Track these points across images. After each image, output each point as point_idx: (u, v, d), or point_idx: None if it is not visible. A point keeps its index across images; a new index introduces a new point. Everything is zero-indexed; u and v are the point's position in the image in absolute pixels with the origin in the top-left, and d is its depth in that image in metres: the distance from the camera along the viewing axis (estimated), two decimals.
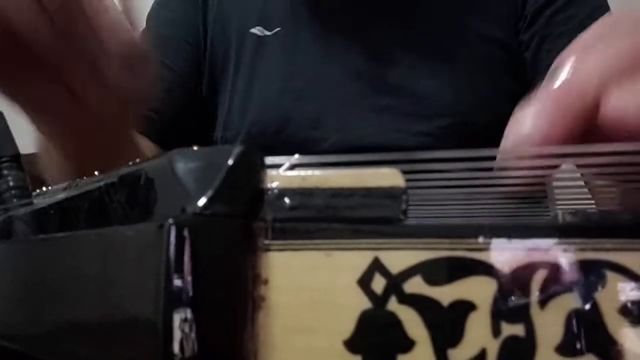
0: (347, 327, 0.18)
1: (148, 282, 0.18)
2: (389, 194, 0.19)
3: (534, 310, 0.18)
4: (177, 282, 0.17)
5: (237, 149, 0.19)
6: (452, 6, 0.67)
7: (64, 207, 0.25)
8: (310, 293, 0.19)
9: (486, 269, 0.18)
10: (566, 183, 0.25)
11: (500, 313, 0.18)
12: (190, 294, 0.17)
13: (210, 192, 0.19)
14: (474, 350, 0.18)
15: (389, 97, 0.65)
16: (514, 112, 0.24)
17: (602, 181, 0.25)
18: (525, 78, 0.64)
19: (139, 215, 0.20)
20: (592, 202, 0.27)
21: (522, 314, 0.18)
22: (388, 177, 0.19)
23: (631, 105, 0.23)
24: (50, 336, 0.22)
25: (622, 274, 0.18)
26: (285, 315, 0.19)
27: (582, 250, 0.18)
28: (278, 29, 0.69)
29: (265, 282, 0.19)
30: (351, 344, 0.18)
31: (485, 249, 0.18)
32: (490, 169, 0.22)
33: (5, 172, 0.29)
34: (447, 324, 0.18)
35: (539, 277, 0.18)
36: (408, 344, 0.18)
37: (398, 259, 0.18)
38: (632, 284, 0.18)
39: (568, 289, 0.18)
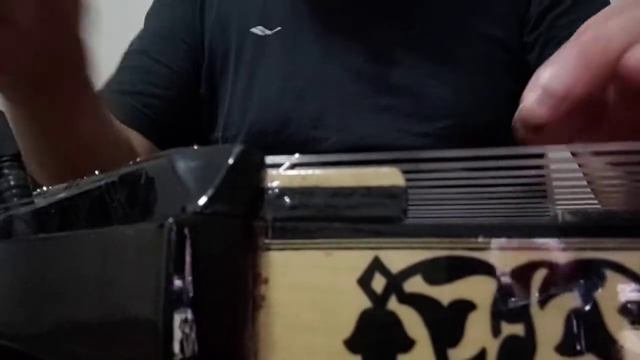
0: (347, 326, 0.18)
1: (148, 282, 0.18)
2: (389, 194, 0.19)
3: (534, 310, 0.18)
4: (178, 282, 0.17)
5: (237, 148, 0.19)
6: (453, 6, 0.67)
7: (65, 206, 0.25)
8: (311, 292, 0.19)
9: (486, 269, 0.18)
10: (566, 183, 0.25)
11: (500, 313, 0.18)
12: (191, 294, 0.17)
13: (210, 192, 0.19)
14: (474, 350, 0.18)
15: (389, 97, 0.65)
16: (535, 73, 0.24)
17: (608, 180, 0.25)
18: (526, 79, 0.64)
19: (139, 214, 0.20)
20: (592, 201, 0.27)
21: (522, 314, 0.18)
22: (388, 176, 0.19)
23: None
24: (50, 336, 0.22)
25: (622, 274, 0.18)
26: (285, 314, 0.19)
27: (582, 250, 0.18)
28: (279, 28, 0.69)
29: (266, 281, 0.19)
30: (351, 343, 0.18)
31: (485, 248, 0.18)
32: (490, 169, 0.22)
33: (6, 171, 0.29)
34: (447, 324, 0.18)
35: (539, 277, 0.18)
36: (408, 344, 0.18)
37: (398, 258, 0.18)
38: (632, 284, 0.18)
39: (568, 288, 0.18)
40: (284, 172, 0.20)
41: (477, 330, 0.18)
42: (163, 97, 0.69)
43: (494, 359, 0.18)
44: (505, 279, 0.18)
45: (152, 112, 0.68)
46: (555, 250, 0.18)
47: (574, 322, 0.18)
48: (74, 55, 0.48)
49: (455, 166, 0.22)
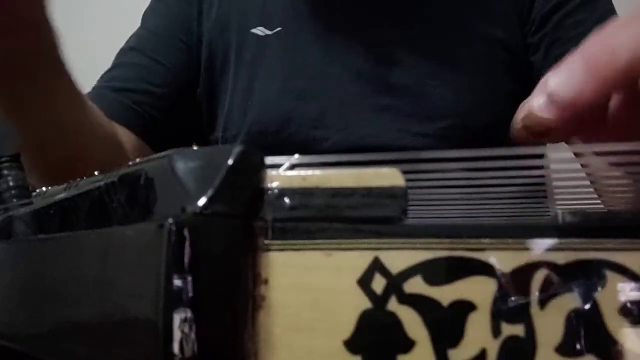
0: (347, 326, 0.18)
1: (148, 282, 0.18)
2: (389, 194, 0.19)
3: (534, 310, 0.18)
4: (177, 282, 0.17)
5: (237, 149, 0.19)
6: (453, 6, 0.67)
7: (64, 207, 0.25)
8: (311, 292, 0.19)
9: (486, 269, 0.18)
10: (566, 183, 0.25)
11: (500, 313, 0.18)
12: (190, 294, 0.17)
13: (210, 192, 0.19)
14: (474, 350, 0.18)
15: (389, 97, 0.65)
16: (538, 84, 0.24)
17: (613, 180, 0.25)
18: (526, 79, 0.64)
19: (139, 215, 0.20)
20: (592, 201, 0.27)
21: (522, 314, 0.18)
22: (388, 176, 0.19)
23: None
24: (50, 336, 0.22)
25: (622, 274, 0.18)
26: (285, 314, 0.19)
27: (582, 250, 0.18)
28: (279, 28, 0.69)
29: (266, 281, 0.19)
30: (351, 344, 0.18)
31: (485, 249, 0.18)
32: (491, 169, 0.22)
33: (5, 172, 0.29)
34: (447, 324, 0.18)
35: (539, 277, 0.18)
36: (408, 344, 0.18)
37: (398, 258, 0.18)
38: (632, 284, 0.18)
39: (568, 289, 0.18)
40: (284, 172, 0.20)
41: (477, 331, 0.18)
42: (156, 94, 0.68)
43: (494, 359, 0.18)
44: (505, 280, 0.18)
45: (143, 109, 0.67)
46: (556, 251, 0.18)
47: (574, 322, 0.18)
48: (46, 30, 0.47)
49: (456, 166, 0.22)
